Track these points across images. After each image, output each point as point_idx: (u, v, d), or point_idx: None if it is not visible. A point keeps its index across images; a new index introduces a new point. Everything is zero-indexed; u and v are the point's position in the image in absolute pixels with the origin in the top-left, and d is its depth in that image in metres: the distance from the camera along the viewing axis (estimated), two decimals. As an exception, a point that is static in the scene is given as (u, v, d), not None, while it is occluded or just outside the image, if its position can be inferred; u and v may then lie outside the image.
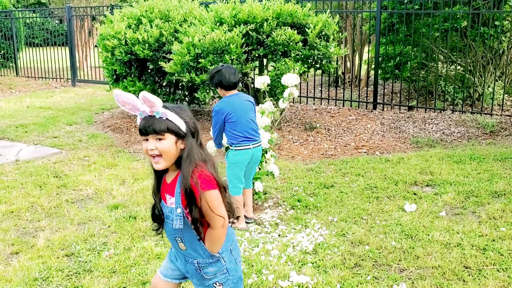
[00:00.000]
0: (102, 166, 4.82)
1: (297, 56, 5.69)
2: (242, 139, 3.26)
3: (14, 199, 3.86)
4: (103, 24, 6.46)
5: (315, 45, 5.60)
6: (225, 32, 5.07)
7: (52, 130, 6.32)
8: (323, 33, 5.71)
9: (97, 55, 6.70)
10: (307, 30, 5.56)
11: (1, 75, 11.92)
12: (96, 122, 6.86)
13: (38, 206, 3.77)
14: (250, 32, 5.26)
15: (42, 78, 11.28)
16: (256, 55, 5.51)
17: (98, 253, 3.01)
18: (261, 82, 3.67)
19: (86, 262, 2.90)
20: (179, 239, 1.79)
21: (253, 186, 3.66)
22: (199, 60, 5.13)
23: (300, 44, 5.45)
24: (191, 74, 5.22)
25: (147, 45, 5.72)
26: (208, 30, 5.08)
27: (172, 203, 1.75)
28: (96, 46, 7.90)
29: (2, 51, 12.02)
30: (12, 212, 3.63)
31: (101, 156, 5.14)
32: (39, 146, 5.47)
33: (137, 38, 5.72)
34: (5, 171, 4.53)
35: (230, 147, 3.32)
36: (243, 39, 5.20)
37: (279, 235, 3.29)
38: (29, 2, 22.08)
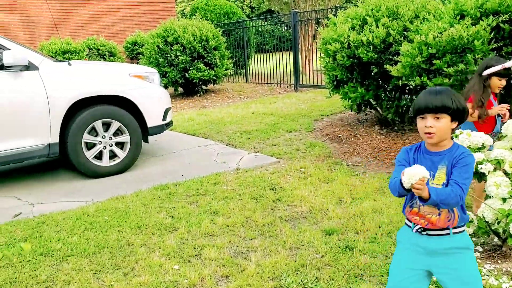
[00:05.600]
0: (318, 179, 4.49)
1: None
2: None
3: (231, 212, 3.79)
4: (326, 27, 6.16)
5: None
6: (467, 27, 4.17)
7: (273, 137, 6.32)
8: None
9: (319, 59, 6.46)
10: None
11: (233, 82, 12.93)
12: (315, 129, 6.64)
13: (252, 221, 3.61)
14: (502, 25, 4.23)
15: (267, 84, 11.80)
16: (510, 52, 4.43)
17: (309, 291, 2.62)
18: None
19: (295, 301, 2.54)
20: None
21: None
22: (432, 61, 4.35)
23: None
24: (422, 78, 4.48)
25: (371, 47, 5.18)
26: (445, 25, 4.26)
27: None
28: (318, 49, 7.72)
29: (235, 59, 13.01)
30: (228, 226, 3.54)
31: (317, 168, 4.82)
32: (259, 154, 5.47)
33: (361, 40, 5.23)
34: (226, 180, 4.57)
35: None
36: (492, 33, 4.21)
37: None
38: (260, 11, 23.80)
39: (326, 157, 5.26)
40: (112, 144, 4.97)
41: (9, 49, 4.45)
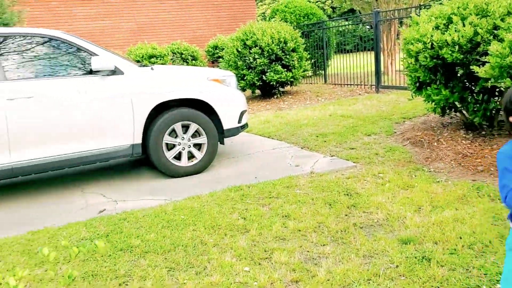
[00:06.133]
0: (396, 186, 4.31)
1: None
2: None
3: (303, 216, 3.75)
4: (409, 27, 5.91)
5: None
6: None
7: (350, 140, 6.18)
8: None
9: (400, 59, 6.21)
10: None
11: (311, 83, 12.83)
12: (395, 132, 6.40)
13: (325, 227, 3.55)
14: None
15: (347, 85, 11.58)
16: None
17: (380, 303, 2.52)
18: None
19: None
20: None
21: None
22: (526, 62, 4.02)
23: None
24: (513, 80, 4.15)
25: (457, 47, 4.88)
26: (541, 22, 3.91)
27: None
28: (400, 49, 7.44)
29: (313, 60, 12.90)
30: (300, 230, 3.51)
31: (396, 174, 4.63)
32: (335, 158, 5.37)
33: (445, 40, 4.95)
34: (299, 184, 4.53)
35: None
36: None
37: None
38: (342, 10, 23.46)
39: (406, 162, 5.04)
40: (190, 146, 5.13)
41: (97, 55, 4.75)
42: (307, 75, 12.67)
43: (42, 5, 13.36)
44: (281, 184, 4.53)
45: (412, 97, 6.04)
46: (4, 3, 8.09)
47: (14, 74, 4.50)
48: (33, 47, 4.70)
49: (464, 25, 4.92)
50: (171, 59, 12.33)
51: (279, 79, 10.12)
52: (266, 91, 10.92)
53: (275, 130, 7.23)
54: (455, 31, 4.94)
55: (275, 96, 10.82)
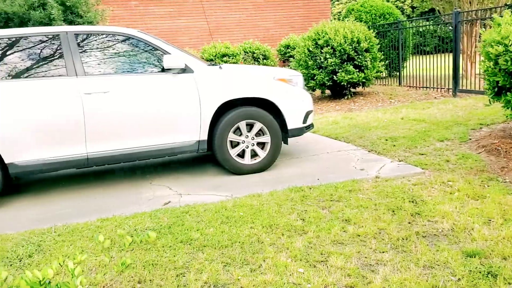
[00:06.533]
0: (466, 195, 4.09)
1: None
2: None
3: (364, 221, 3.66)
4: (490, 28, 5.57)
5: None
6: None
7: (421, 145, 5.94)
8: None
9: (479, 63, 5.87)
10: None
11: (385, 85, 12.46)
12: (470, 139, 6.06)
13: (386, 233, 3.45)
14: None
15: (422, 87, 11.13)
16: None
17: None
18: None
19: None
20: None
21: None
22: None
23: None
24: None
25: (542, 49, 4.54)
26: None
27: None
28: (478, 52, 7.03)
29: (388, 61, 12.53)
30: (359, 236, 3.43)
31: (467, 183, 4.39)
32: (402, 164, 5.18)
33: (529, 42, 4.62)
34: (362, 188, 4.43)
35: None
36: None
37: None
38: (422, 10, 22.56)
39: (479, 171, 4.77)
40: (254, 144, 5.19)
41: (169, 53, 4.93)
42: (381, 76, 12.33)
43: (122, 3, 14.08)
44: (343, 188, 4.45)
45: (490, 103, 5.70)
46: (89, 2, 8.62)
47: (93, 69, 4.79)
48: (111, 45, 4.98)
49: (551, 27, 4.56)
50: (243, 58, 12.51)
51: (350, 80, 9.94)
52: (337, 91, 10.77)
53: (342, 132, 7.11)
54: (541, 32, 4.59)
55: (346, 97, 10.64)
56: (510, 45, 4.85)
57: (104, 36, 4.95)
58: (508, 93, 5.17)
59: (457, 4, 12.25)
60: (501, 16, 5.43)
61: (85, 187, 5.18)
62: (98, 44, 4.93)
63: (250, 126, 5.17)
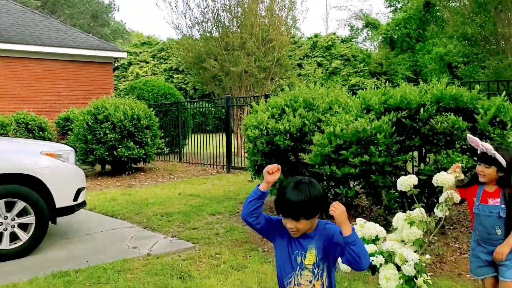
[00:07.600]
0: (230, 267, 4.38)
1: (464, 147, 4.74)
2: None
3: (130, 302, 3.57)
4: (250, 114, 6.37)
5: (487, 133, 4.61)
6: (371, 120, 4.44)
7: (194, 220, 6.20)
8: (497, 119, 4.70)
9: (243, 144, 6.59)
10: (475, 115, 4.64)
11: (167, 161, 12.86)
12: (238, 212, 6.61)
13: (152, 313, 3.42)
14: (403, 120, 4.54)
15: (200, 164, 11.81)
16: (411, 145, 4.73)
17: None
18: (406, 183, 2.91)
19: None
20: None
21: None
22: (340, 152, 4.55)
23: (467, 132, 4.52)
24: (331, 167, 4.64)
25: (288, 135, 5.37)
26: (352, 118, 4.52)
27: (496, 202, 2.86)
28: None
29: (169, 138, 13.04)
30: (124, 318, 3.32)
31: (232, 255, 4.72)
32: (175, 239, 5.32)
33: (279, 128, 5.42)
34: (133, 267, 4.36)
35: None
36: (393, 127, 4.50)
37: None
38: (203, 92, 24.43)
39: (243, 242, 5.19)
40: (14, 225, 4.68)
41: None
42: (164, 152, 12.68)
43: None
44: (113, 268, 4.30)
45: (252, 179, 6.38)
46: None
47: None
48: None
49: (295, 116, 5.45)
50: (15, 129, 11.46)
51: (130, 155, 9.96)
52: (118, 167, 10.63)
53: (120, 209, 6.97)
54: (287, 121, 5.45)
55: (127, 173, 10.56)
56: (265, 130, 5.61)
57: None
58: (265, 171, 5.88)
59: (229, 90, 13.70)
60: (258, 104, 6.27)
61: None
62: None
63: (11, 205, 4.66)
